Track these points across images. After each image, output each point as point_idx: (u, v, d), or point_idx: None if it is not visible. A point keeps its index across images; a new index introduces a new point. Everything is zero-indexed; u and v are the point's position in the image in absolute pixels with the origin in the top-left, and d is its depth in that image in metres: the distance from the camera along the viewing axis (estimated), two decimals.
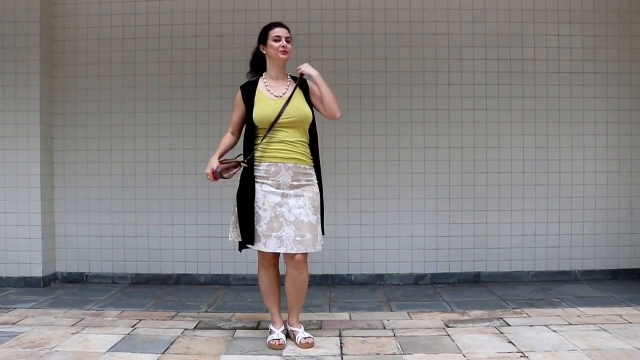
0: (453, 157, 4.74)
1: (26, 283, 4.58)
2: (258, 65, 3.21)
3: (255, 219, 2.98)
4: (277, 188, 2.98)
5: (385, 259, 4.74)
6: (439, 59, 4.76)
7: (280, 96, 3.06)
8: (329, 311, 3.86)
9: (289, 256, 3.00)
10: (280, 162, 2.99)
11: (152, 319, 3.59)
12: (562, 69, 4.76)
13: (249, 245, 3.03)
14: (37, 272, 4.58)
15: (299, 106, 3.03)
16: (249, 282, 4.71)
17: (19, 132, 4.59)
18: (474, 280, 4.73)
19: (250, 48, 4.70)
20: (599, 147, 4.78)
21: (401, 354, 2.90)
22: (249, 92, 3.10)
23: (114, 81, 4.80)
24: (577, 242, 4.77)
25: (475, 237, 4.74)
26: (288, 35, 3.06)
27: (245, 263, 4.75)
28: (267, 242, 2.96)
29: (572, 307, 3.83)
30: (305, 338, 3.05)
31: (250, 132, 3.08)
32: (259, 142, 3.03)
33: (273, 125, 2.97)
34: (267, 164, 3.00)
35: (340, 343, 3.09)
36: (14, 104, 4.58)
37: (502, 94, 4.75)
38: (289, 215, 2.95)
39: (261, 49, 3.12)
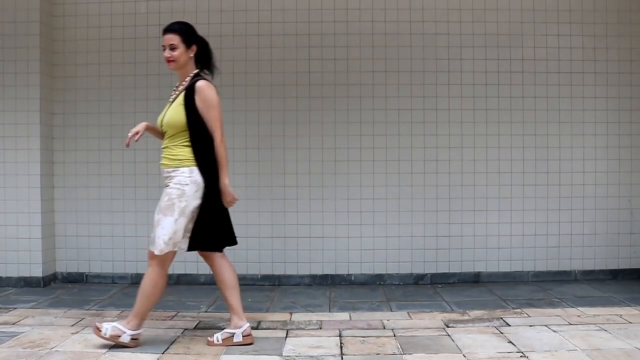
0: (453, 157, 4.74)
1: (26, 283, 4.58)
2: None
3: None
4: None
5: (385, 259, 4.74)
6: (439, 59, 4.76)
7: (170, 101, 3.15)
8: (329, 311, 3.86)
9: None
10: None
11: (152, 319, 3.58)
12: (562, 69, 4.76)
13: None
14: (37, 272, 4.57)
15: (167, 113, 3.10)
16: (248, 282, 4.71)
17: (19, 132, 4.59)
18: (474, 280, 4.73)
19: (250, 48, 4.78)
20: (599, 147, 4.78)
21: (401, 354, 2.90)
22: None
23: (114, 81, 4.80)
24: (577, 242, 4.77)
25: (475, 237, 4.74)
26: (172, 42, 3.04)
27: (245, 263, 4.75)
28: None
29: (572, 307, 3.83)
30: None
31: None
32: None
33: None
34: None
35: (340, 343, 3.09)
36: (14, 104, 4.58)
37: (502, 94, 4.75)
38: None
39: None
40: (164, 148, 3.11)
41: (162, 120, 3.11)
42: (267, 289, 4.60)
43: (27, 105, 4.58)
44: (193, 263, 4.75)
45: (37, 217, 4.57)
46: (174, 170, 3.01)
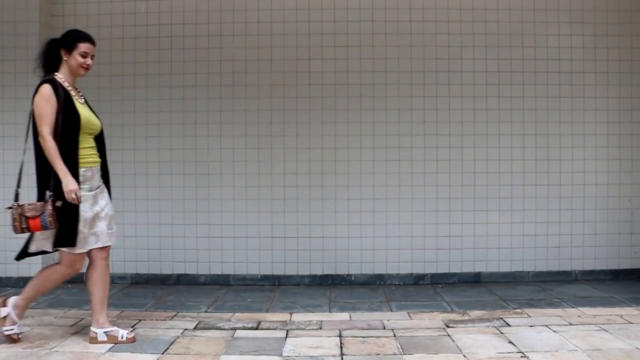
0: (453, 157, 4.74)
1: (26, 283, 4.55)
2: (50, 63, 3.11)
3: (80, 222, 2.96)
4: (90, 190, 3.05)
5: (385, 259, 4.73)
6: (439, 58, 4.75)
7: (82, 103, 3.14)
8: (329, 311, 3.85)
9: (103, 250, 3.11)
10: (94, 167, 3.11)
11: (152, 319, 3.58)
12: (562, 68, 4.75)
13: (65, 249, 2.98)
14: (37, 272, 4.55)
15: (95, 115, 3.19)
16: (248, 282, 4.71)
17: (18, 132, 4.57)
18: (475, 280, 4.73)
19: (250, 48, 4.77)
20: (599, 147, 4.77)
21: (401, 354, 2.90)
22: (61, 91, 2.98)
23: (113, 81, 4.79)
24: (577, 242, 4.76)
25: (475, 237, 4.74)
26: (94, 53, 3.13)
27: (246, 263, 4.75)
28: (88, 241, 3.03)
29: (573, 307, 3.82)
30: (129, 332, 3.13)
31: (71, 138, 2.96)
32: (79, 147, 3.01)
33: (91, 130, 3.08)
34: (83, 169, 3.03)
35: (341, 343, 3.09)
36: (13, 103, 4.58)
37: (503, 94, 4.75)
38: (102, 212, 3.09)
39: (62, 53, 3.08)
40: (95, 147, 3.16)
41: (96, 122, 3.15)
42: (267, 289, 4.59)
43: (27, 105, 4.51)
44: (193, 263, 4.76)
45: None
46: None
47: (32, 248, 3.03)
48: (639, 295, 4.15)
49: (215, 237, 4.75)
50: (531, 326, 3.35)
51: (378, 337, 3.19)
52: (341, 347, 3.01)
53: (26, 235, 3.01)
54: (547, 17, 4.74)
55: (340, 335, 3.23)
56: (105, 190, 3.22)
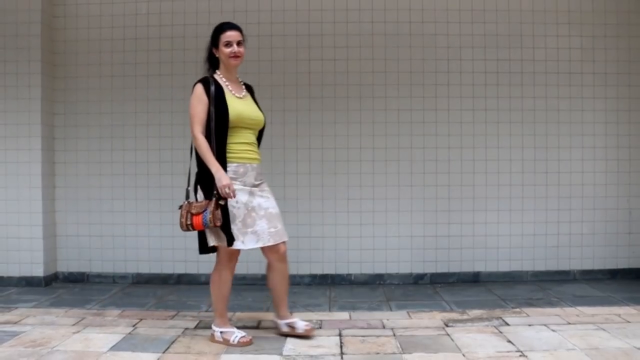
0: (452, 157, 4.76)
1: (27, 283, 4.59)
2: (213, 62, 3.15)
3: (230, 218, 2.97)
4: (244, 186, 3.04)
5: (385, 259, 4.75)
6: (439, 59, 4.77)
7: (241, 97, 3.12)
8: (329, 311, 3.87)
9: (273, 250, 3.09)
10: (249, 163, 3.07)
11: (153, 319, 3.60)
12: (560, 69, 4.77)
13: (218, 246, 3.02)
14: (39, 271, 4.59)
15: (257, 110, 3.16)
16: (249, 282, 4.72)
17: (20, 133, 4.61)
18: (474, 279, 4.75)
19: (251, 49, 4.75)
20: (597, 147, 4.79)
21: (401, 353, 2.92)
22: (212, 87, 3.01)
23: (115, 81, 4.81)
24: (576, 242, 4.79)
25: (474, 237, 4.76)
26: (240, 38, 3.08)
27: (246, 263, 4.74)
28: (245, 240, 3.01)
29: (571, 306, 3.84)
30: (307, 324, 3.17)
31: (220, 133, 2.98)
32: (231, 141, 3.01)
33: (246, 124, 3.06)
34: (235, 164, 3.02)
35: (340, 342, 3.11)
36: (15, 104, 4.60)
37: (501, 95, 4.77)
38: (260, 210, 3.03)
39: (214, 52, 3.11)
40: (253, 144, 3.13)
41: (254, 117, 3.12)
42: (267, 288, 4.59)
43: (29, 106, 4.60)
44: (194, 262, 4.77)
45: (38, 217, 4.59)
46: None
47: (210, 242, 3.04)
48: (637, 294, 4.17)
49: None
50: (530, 325, 3.37)
51: (378, 336, 3.20)
52: (341, 347, 3.03)
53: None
54: (546, 19, 4.76)
55: (340, 335, 3.25)
56: (267, 188, 3.15)
